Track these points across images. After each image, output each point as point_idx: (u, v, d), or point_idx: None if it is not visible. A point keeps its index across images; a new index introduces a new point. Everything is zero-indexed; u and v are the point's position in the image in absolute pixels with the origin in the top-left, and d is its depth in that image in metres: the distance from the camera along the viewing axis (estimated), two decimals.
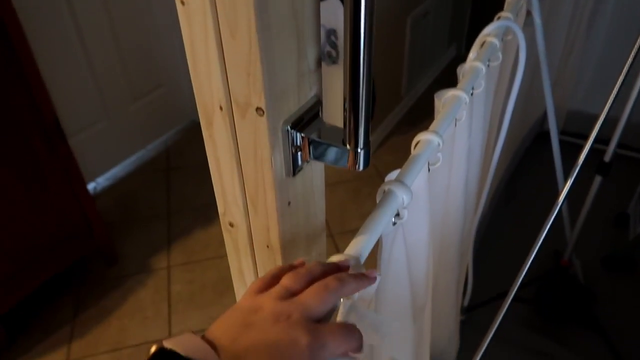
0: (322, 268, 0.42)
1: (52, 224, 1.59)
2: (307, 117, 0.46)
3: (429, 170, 0.58)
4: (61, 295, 1.78)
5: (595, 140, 1.01)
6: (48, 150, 1.50)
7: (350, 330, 0.38)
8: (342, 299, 0.43)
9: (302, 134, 0.45)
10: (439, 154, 0.59)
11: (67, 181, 1.58)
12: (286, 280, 0.40)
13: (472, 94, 0.73)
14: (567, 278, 1.59)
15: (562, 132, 2.26)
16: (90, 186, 2.22)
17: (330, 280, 0.40)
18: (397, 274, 0.58)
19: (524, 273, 1.08)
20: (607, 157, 1.30)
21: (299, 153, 0.47)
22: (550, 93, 1.25)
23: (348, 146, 0.44)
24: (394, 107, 2.57)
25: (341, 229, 2.02)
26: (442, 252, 0.92)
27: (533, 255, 1.06)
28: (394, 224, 0.52)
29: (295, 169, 0.48)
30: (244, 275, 0.60)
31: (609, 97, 1.02)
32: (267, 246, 0.54)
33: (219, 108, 0.44)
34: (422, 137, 0.56)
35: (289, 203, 0.51)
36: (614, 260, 1.79)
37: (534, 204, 1.26)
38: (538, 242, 1.06)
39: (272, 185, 0.47)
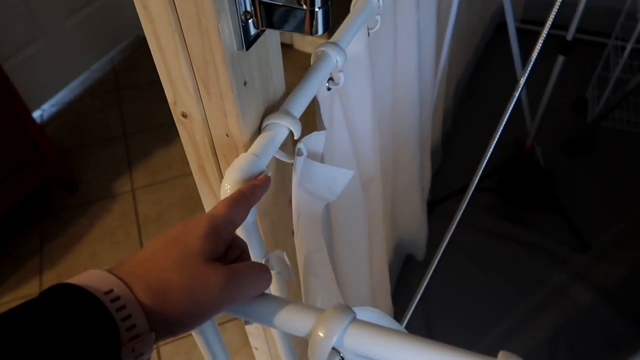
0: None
1: None
2: None
3: (368, 34, 0.54)
4: (24, 228, 1.72)
5: (557, 26, 0.97)
6: None
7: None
8: (296, 157, 0.43)
9: None
10: (378, 17, 0.54)
11: (7, 108, 1.46)
12: None
13: None
14: (529, 163, 1.63)
15: (521, 21, 2.23)
16: (37, 114, 2.08)
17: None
18: (341, 143, 0.56)
19: (485, 160, 1.08)
20: (569, 36, 1.28)
21: (251, 20, 0.41)
22: None
23: (304, 6, 0.39)
24: None
25: None
26: (398, 135, 0.90)
27: (494, 142, 1.06)
28: (329, 89, 0.49)
29: (247, 41, 0.42)
30: (206, 172, 0.56)
31: None
32: (227, 135, 0.50)
33: None
34: None
35: (245, 83, 0.46)
36: (573, 143, 1.84)
37: (498, 96, 1.24)
38: (499, 128, 1.05)
39: (222, 61, 0.42)
